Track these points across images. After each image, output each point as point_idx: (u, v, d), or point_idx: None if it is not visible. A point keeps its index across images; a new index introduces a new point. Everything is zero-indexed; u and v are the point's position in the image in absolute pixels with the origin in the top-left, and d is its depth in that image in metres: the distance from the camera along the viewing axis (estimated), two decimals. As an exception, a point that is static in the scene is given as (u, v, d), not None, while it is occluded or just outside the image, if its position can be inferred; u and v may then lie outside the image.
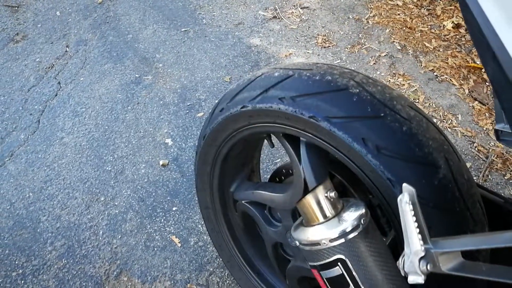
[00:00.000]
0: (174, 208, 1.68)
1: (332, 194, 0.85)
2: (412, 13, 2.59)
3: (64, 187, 1.77)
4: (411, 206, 0.61)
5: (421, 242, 0.61)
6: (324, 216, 0.85)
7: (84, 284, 1.48)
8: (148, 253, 1.55)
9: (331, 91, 0.81)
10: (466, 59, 2.27)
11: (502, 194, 1.20)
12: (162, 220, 1.65)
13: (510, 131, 0.78)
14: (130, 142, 1.94)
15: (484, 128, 1.94)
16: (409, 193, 0.61)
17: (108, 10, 2.74)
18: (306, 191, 0.87)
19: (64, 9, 2.77)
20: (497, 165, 1.79)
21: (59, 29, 2.61)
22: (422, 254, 0.62)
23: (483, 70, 2.19)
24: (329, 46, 2.39)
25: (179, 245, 1.57)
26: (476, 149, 1.86)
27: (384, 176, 0.75)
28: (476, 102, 2.05)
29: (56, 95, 2.19)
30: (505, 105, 0.54)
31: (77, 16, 2.71)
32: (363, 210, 0.82)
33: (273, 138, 1.04)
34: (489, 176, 1.76)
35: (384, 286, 0.78)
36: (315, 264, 0.85)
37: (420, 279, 0.62)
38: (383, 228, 0.95)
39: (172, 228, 1.62)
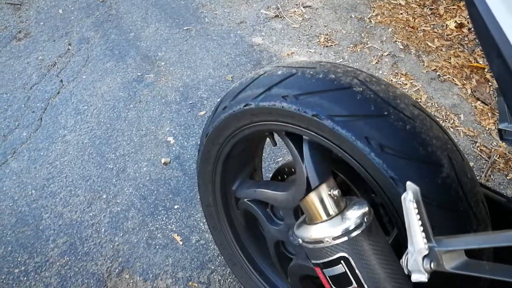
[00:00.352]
0: (176, 206, 1.68)
1: (336, 192, 0.85)
2: (415, 12, 2.58)
3: (66, 184, 1.78)
4: (415, 205, 0.61)
5: (425, 241, 0.61)
6: (327, 214, 0.85)
7: (86, 281, 1.48)
8: (150, 251, 1.56)
9: (334, 90, 0.81)
10: (468, 58, 2.27)
11: (505, 194, 1.20)
12: (164, 218, 1.65)
13: (514, 130, 0.77)
14: (132, 140, 1.94)
15: (487, 128, 1.93)
16: (413, 191, 0.61)
17: (110, 8, 2.74)
18: (309, 189, 0.87)
19: (66, 7, 2.77)
20: (499, 165, 1.79)
21: (62, 27, 2.62)
22: (426, 252, 0.62)
23: (486, 70, 2.19)
24: (331, 45, 2.39)
25: (181, 243, 1.57)
26: (478, 149, 1.86)
27: (387, 175, 0.75)
28: (479, 102, 2.05)
29: (58, 93, 2.19)
30: (510, 103, 0.53)
31: (79, 14, 2.71)
32: (366, 209, 0.82)
33: (276, 136, 1.04)
34: (492, 176, 1.76)
35: (386, 284, 0.78)
36: (318, 262, 0.85)
37: (424, 277, 0.62)
38: (385, 227, 0.95)
39: (174, 226, 1.62)
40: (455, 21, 2.47)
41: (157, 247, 1.57)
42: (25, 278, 1.49)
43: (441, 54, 2.30)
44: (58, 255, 1.55)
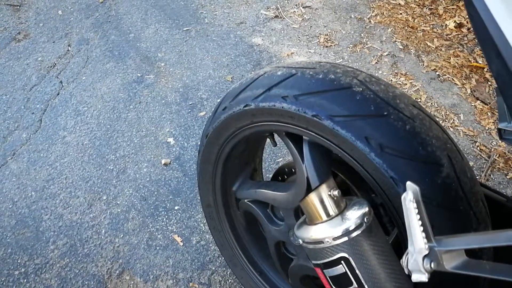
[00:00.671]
0: (176, 207, 1.69)
1: (336, 192, 0.86)
2: (414, 12, 2.59)
3: (66, 186, 1.78)
4: (415, 204, 0.61)
5: (425, 240, 0.61)
6: (328, 214, 0.85)
7: (86, 283, 1.48)
8: (150, 252, 1.56)
9: (334, 90, 0.81)
10: (468, 58, 2.27)
11: (505, 193, 1.20)
12: (164, 219, 1.65)
13: (514, 129, 0.77)
14: (132, 141, 1.94)
15: (486, 128, 1.93)
16: (413, 191, 0.61)
17: (110, 9, 2.74)
18: (309, 189, 0.87)
19: (66, 8, 2.77)
20: (499, 165, 1.79)
21: (61, 28, 2.62)
22: (426, 252, 0.62)
23: (485, 69, 2.19)
24: (331, 46, 2.39)
25: (181, 244, 1.57)
26: (478, 148, 1.86)
27: (387, 175, 0.75)
28: (478, 101, 2.05)
29: (58, 94, 2.19)
30: (510, 102, 0.53)
31: (79, 15, 2.71)
32: (366, 209, 0.82)
33: (276, 137, 1.04)
34: (491, 176, 1.76)
35: (387, 284, 0.78)
36: (318, 262, 0.85)
37: (424, 277, 0.62)
38: (385, 227, 0.95)
39: (174, 227, 1.62)
40: (455, 21, 2.47)
41: (158, 248, 1.57)
42: (25, 280, 1.49)
43: (440, 54, 2.30)
44: (58, 257, 1.55)
